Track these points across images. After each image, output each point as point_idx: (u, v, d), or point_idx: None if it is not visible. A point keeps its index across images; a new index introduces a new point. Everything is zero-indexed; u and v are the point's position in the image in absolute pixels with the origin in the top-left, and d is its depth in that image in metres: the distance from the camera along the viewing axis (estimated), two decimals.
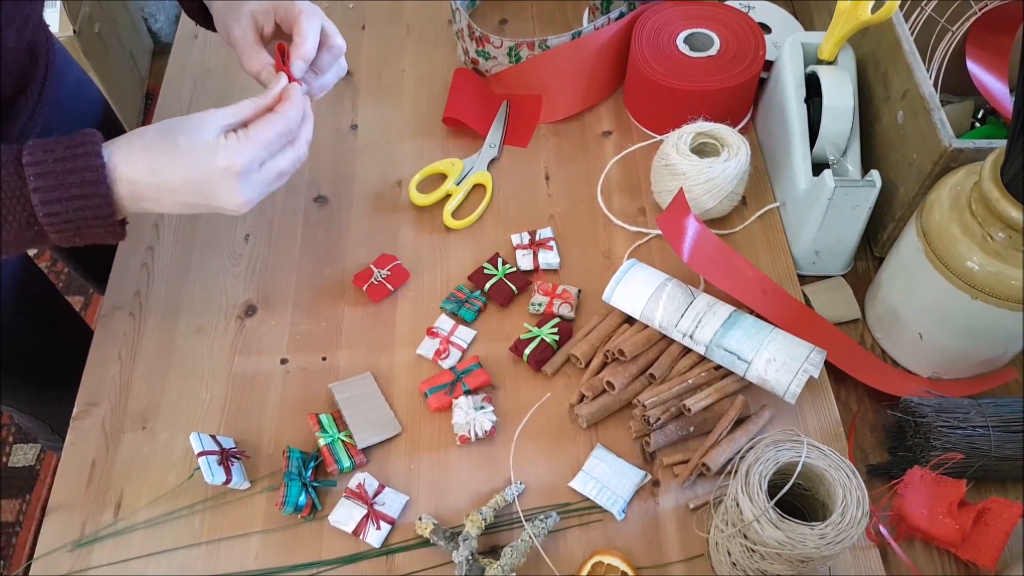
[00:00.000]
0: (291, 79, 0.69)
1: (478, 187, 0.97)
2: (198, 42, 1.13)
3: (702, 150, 0.91)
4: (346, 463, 0.75)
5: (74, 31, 1.78)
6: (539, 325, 0.83)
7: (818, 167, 0.87)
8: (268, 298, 0.88)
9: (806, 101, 0.89)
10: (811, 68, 0.90)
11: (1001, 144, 0.68)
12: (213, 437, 0.76)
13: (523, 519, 0.72)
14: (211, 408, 0.81)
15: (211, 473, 0.72)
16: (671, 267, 0.86)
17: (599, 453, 0.76)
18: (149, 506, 0.75)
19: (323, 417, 0.78)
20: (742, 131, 0.98)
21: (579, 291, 0.87)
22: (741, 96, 0.97)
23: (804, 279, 0.89)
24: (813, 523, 0.58)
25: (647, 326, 0.81)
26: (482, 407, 0.77)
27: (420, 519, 0.72)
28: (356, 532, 0.72)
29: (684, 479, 0.75)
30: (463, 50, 1.06)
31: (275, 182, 0.66)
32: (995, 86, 0.89)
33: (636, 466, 0.76)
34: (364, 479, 0.74)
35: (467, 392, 0.79)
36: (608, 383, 0.78)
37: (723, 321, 0.77)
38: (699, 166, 0.86)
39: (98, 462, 0.77)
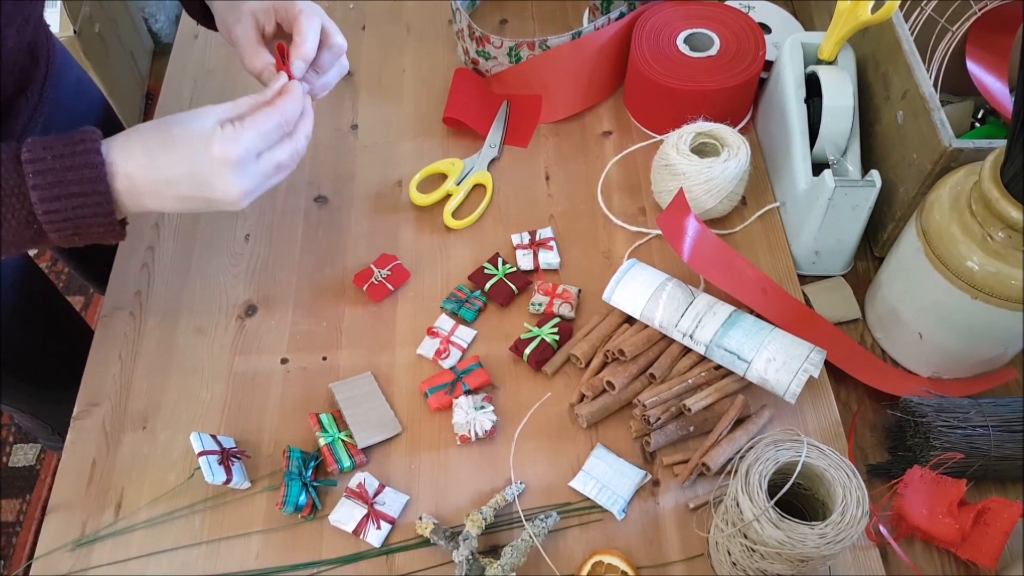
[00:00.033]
0: (291, 79, 0.69)
1: (478, 187, 0.97)
2: (198, 42, 1.13)
3: (702, 150, 0.91)
4: (346, 463, 0.75)
5: (74, 31, 1.78)
6: (539, 325, 0.83)
7: (818, 167, 0.87)
8: (268, 298, 0.88)
9: (806, 101, 0.90)
10: (811, 68, 0.90)
11: (1001, 144, 0.69)
12: (213, 437, 0.76)
13: (523, 519, 0.72)
14: (211, 408, 0.81)
15: (211, 473, 0.72)
16: (671, 267, 0.86)
17: (599, 453, 0.76)
18: (149, 506, 0.75)
19: (323, 417, 0.78)
20: (742, 131, 0.98)
21: (579, 291, 0.87)
22: (741, 96, 0.97)
23: (804, 279, 0.90)
24: (813, 523, 0.58)
25: (647, 326, 0.81)
26: (482, 407, 0.77)
27: (420, 519, 0.72)
28: (356, 532, 0.72)
29: (684, 479, 0.75)
30: (463, 50, 1.06)
31: (273, 175, 0.66)
32: (995, 86, 0.89)
33: (636, 466, 0.76)
34: (364, 479, 0.74)
35: (467, 392, 0.79)
36: (608, 383, 0.78)
37: (723, 321, 0.77)
38: (699, 166, 0.86)
39: (98, 462, 0.78)
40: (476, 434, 0.76)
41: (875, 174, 0.81)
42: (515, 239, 0.91)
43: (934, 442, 0.72)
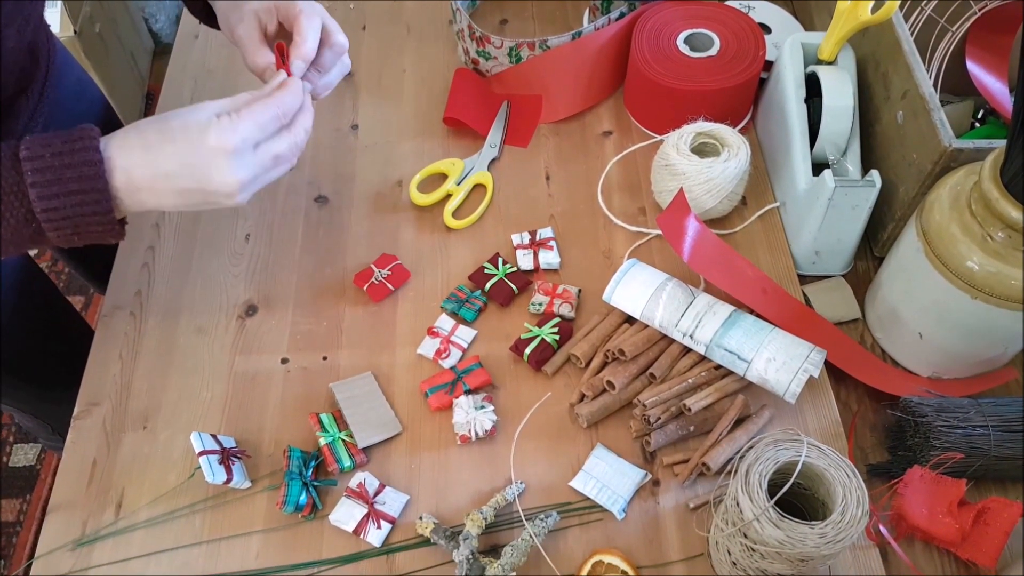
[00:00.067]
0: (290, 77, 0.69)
1: (479, 187, 0.97)
2: (199, 42, 1.13)
3: (702, 150, 0.91)
4: (347, 462, 0.75)
5: (75, 31, 1.78)
6: (539, 325, 0.83)
7: (818, 167, 0.87)
8: (269, 298, 0.88)
9: (806, 101, 0.90)
10: (811, 68, 0.90)
11: (1001, 144, 0.69)
12: (214, 436, 0.76)
13: (523, 518, 0.72)
14: (212, 407, 0.81)
15: (212, 472, 0.72)
16: (671, 267, 0.86)
17: (599, 452, 0.76)
18: (150, 505, 0.75)
19: (324, 416, 0.78)
20: (742, 131, 0.98)
21: (579, 291, 0.87)
22: (741, 96, 0.97)
23: (804, 279, 0.90)
24: (813, 522, 0.58)
25: (647, 326, 0.81)
26: (482, 407, 0.77)
27: (420, 518, 0.72)
28: (357, 531, 0.72)
29: (684, 478, 0.75)
30: (463, 50, 1.06)
31: (272, 167, 0.65)
32: (995, 86, 0.89)
33: (636, 465, 0.76)
34: (365, 478, 0.74)
35: (467, 392, 0.79)
36: (608, 383, 0.78)
37: (723, 321, 0.77)
38: (699, 166, 0.86)
39: (99, 461, 0.78)
40: (476, 434, 0.77)
41: (875, 174, 0.81)
42: (515, 239, 0.91)
43: (934, 442, 0.72)
